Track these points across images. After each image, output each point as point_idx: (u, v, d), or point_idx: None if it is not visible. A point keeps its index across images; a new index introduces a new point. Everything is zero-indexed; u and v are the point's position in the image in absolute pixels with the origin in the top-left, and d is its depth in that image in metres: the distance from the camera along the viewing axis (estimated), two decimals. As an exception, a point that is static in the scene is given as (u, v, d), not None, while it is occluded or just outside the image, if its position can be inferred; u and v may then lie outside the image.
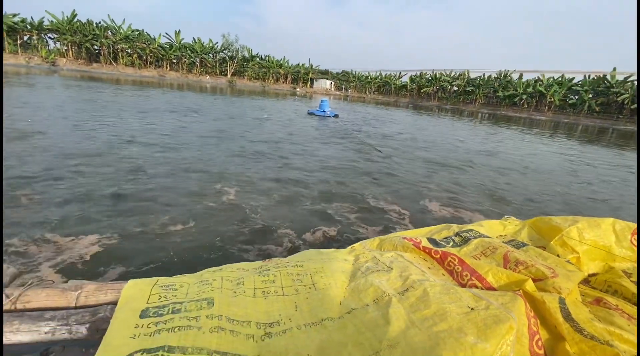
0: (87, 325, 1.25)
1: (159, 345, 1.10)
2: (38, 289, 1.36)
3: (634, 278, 1.75)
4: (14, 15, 43.61)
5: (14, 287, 1.35)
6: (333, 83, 69.24)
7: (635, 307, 1.49)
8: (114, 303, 1.36)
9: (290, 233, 3.55)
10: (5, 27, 42.01)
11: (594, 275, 1.89)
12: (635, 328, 1.29)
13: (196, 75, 55.22)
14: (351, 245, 2.22)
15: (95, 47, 49.04)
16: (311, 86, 67.15)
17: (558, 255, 1.95)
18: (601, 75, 44.57)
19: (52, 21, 45.88)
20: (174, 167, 5.60)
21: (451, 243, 2.14)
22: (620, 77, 42.55)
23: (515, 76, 53.67)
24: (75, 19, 46.51)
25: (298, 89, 59.76)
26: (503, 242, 2.16)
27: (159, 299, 1.38)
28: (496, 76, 55.67)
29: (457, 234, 2.25)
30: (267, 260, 1.98)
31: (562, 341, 1.24)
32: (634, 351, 1.17)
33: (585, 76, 46.30)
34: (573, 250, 1.97)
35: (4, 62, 39.31)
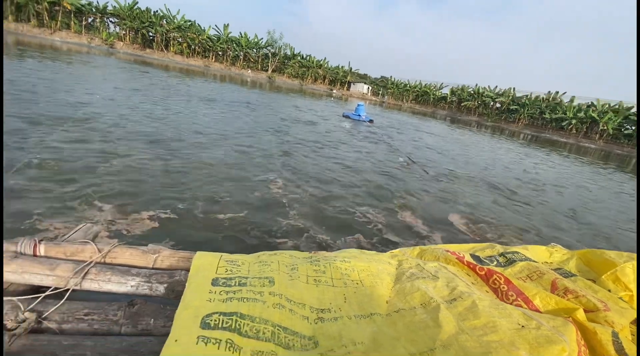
0: (165, 285, 1.38)
1: (233, 311, 1.20)
2: (123, 247, 1.52)
3: None
4: (83, -2, 47.27)
5: (103, 244, 1.51)
6: (370, 88, 68.74)
7: None
8: (185, 269, 1.49)
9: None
10: (72, 8, 45.56)
11: None
12: None
13: (238, 69, 57.01)
14: (391, 251, 2.25)
15: (150, 33, 52.01)
16: (348, 89, 67.09)
17: (609, 290, 1.87)
18: (665, 107, 40.78)
19: (115, 6, 49.27)
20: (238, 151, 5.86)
21: (495, 263, 2.12)
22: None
23: (565, 99, 50.46)
24: (136, 6, 49.62)
25: (335, 91, 59.97)
26: (550, 269, 2.11)
27: (226, 271, 1.49)
28: (544, 97, 52.66)
29: (501, 254, 2.22)
30: (313, 252, 2.06)
31: None
32: None
33: (645, 105, 42.61)
34: (626, 288, 1.88)
35: (69, 39, 42.75)
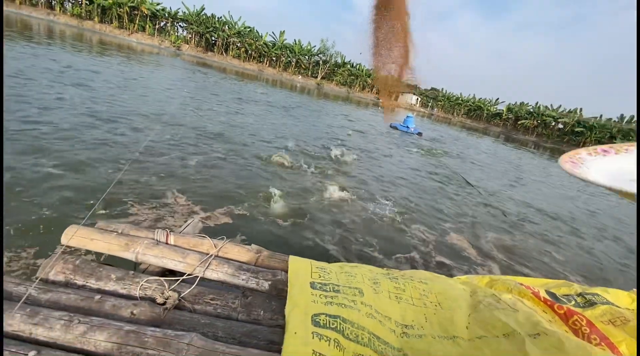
0: (269, 282, 1.56)
1: (336, 314, 1.34)
2: (232, 244, 1.75)
3: None
4: (158, 4, 52.30)
5: (215, 239, 1.76)
6: (419, 99, 67.15)
7: None
8: (282, 270, 1.67)
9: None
10: (148, 12, 50.61)
11: None
12: None
13: (289, 74, 59.07)
14: (458, 277, 2.26)
15: (213, 38, 56.05)
16: (396, 99, 66.13)
17: None
18: None
19: (184, 12, 53.92)
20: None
21: (573, 302, 2.01)
22: None
23: (643, 123, 44.95)
24: (203, 12, 53.88)
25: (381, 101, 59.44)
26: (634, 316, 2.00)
27: (319, 277, 1.64)
28: (616, 120, 47.45)
29: (579, 294, 2.11)
30: (386, 269, 2.14)
31: None
32: None
33: None
34: None
35: (143, 41, 47.42)
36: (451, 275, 2.30)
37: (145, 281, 1.40)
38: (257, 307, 1.45)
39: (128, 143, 5.22)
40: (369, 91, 65.32)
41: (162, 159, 4.86)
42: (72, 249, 1.73)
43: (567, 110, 52.59)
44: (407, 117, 18.88)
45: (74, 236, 1.51)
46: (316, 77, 61.35)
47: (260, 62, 59.65)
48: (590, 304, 1.99)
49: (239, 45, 57.18)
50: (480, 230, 5.05)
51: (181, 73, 20.07)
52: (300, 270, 1.67)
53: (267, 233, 3.41)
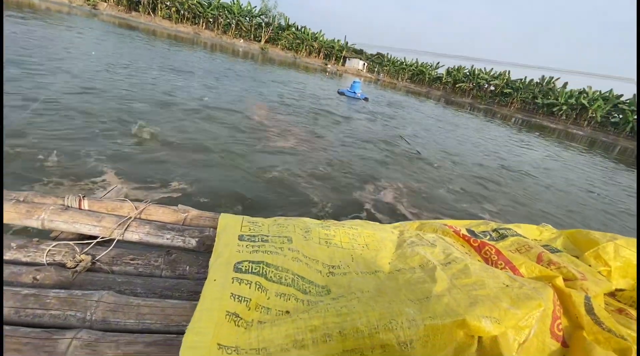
0: (197, 239, 1.56)
1: (260, 260, 1.39)
2: (156, 206, 1.68)
3: None
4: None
5: (137, 202, 1.67)
6: (366, 64, 67.46)
7: None
8: (212, 227, 1.67)
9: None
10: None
11: (621, 290, 1.99)
12: None
13: (230, 37, 54.85)
14: (393, 224, 2.43)
15: (137, -5, 49.12)
16: (343, 64, 65.67)
17: (590, 266, 2.05)
18: (652, 96, 41.55)
19: (97, -37, 45.96)
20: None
21: (488, 237, 2.29)
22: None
23: (559, 84, 50.68)
24: (120, -36, 46.45)
25: (329, 66, 58.68)
26: (539, 244, 2.28)
27: (249, 230, 1.67)
28: (538, 81, 52.79)
29: (494, 230, 2.40)
30: (323, 220, 2.24)
31: (581, 330, 1.41)
32: None
33: (634, 95, 43.32)
34: (606, 264, 2.05)
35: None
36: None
37: (53, 247, 1.31)
38: (183, 263, 1.45)
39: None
40: (315, 56, 63.72)
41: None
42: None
43: (497, 73, 57.01)
44: (354, 82, 18.97)
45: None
46: (260, 41, 57.83)
47: (195, 23, 54.21)
48: (502, 237, 2.29)
49: (168, 4, 50.94)
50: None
51: (98, 36, 17.51)
52: (229, 225, 1.69)
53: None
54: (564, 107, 47.37)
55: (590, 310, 1.46)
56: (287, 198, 3.95)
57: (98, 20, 30.32)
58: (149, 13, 49.91)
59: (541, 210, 5.86)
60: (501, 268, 1.78)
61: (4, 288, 1.07)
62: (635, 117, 41.89)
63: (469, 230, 2.31)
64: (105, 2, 47.68)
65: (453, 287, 1.46)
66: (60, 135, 4.12)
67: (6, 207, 1.40)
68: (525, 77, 54.07)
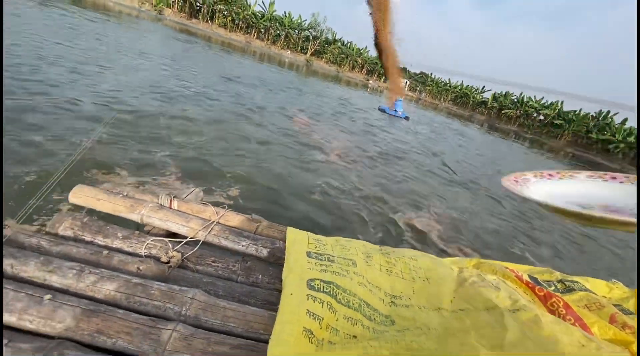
0: (268, 250, 1.65)
1: (330, 280, 1.44)
2: (233, 213, 1.81)
3: None
4: (138, -37, 48.59)
5: (217, 207, 1.81)
6: (408, 82, 66.97)
7: None
8: (280, 239, 1.76)
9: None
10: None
11: None
12: None
13: (278, 48, 57.15)
14: (448, 258, 2.34)
15: (198, 3, 52.99)
16: (385, 81, 65.68)
17: None
18: None
19: (168, -27, 50.39)
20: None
21: (553, 288, 2.14)
22: None
23: (617, 120, 46.88)
24: (188, -25, 50.54)
25: (371, 82, 58.98)
26: (610, 303, 2.08)
27: (315, 247, 1.73)
28: (594, 115, 49.24)
29: (560, 281, 2.24)
30: (382, 247, 2.23)
31: None
32: None
33: None
34: None
35: (121, 1, 44.25)
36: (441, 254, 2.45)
37: (150, 241, 1.46)
38: (256, 272, 1.54)
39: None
40: (358, 71, 64.45)
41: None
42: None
43: (548, 103, 54.03)
44: (396, 100, 18.92)
45: (82, 195, 1.53)
46: (305, 53, 59.68)
47: (247, 33, 57.23)
48: (569, 290, 2.12)
49: (225, 13, 54.39)
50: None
51: (159, 40, 19.04)
52: (297, 240, 1.76)
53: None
54: (621, 145, 43.64)
55: None
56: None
57: (162, 24, 33.01)
58: (207, 21, 53.57)
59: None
60: (570, 324, 1.62)
61: (115, 273, 1.21)
62: None
63: (531, 277, 2.16)
64: (170, 8, 51.91)
65: (526, 338, 1.36)
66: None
67: (115, 199, 1.58)
68: (581, 109, 50.68)
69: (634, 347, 1.48)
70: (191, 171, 3.89)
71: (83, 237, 1.42)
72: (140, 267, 1.31)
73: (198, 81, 9.70)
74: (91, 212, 1.67)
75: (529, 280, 2.05)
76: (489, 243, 4.59)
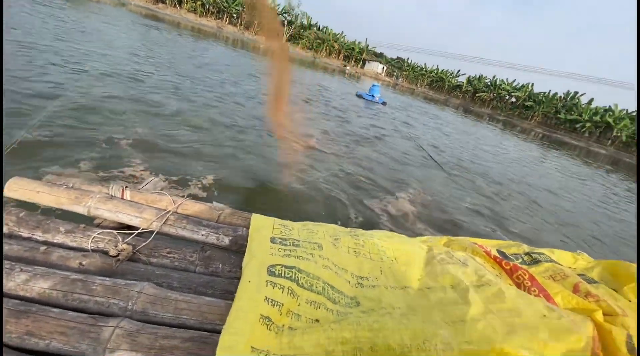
0: (230, 238, 1.58)
1: (293, 265, 1.39)
2: (192, 202, 1.72)
3: None
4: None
5: (176, 197, 1.71)
6: (385, 68, 67.03)
7: None
8: (244, 227, 1.69)
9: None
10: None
11: None
12: None
13: (252, 34, 55.41)
14: (420, 237, 2.34)
15: (165, -13, 50.25)
16: (362, 67, 65.47)
17: (630, 301, 1.91)
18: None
19: (130, -46, 47.20)
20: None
21: (520, 260, 2.20)
22: None
23: (584, 100, 49.15)
24: (152, -44, 47.57)
25: (348, 68, 58.55)
26: (574, 273, 2.15)
27: (281, 233, 1.68)
28: (562, 96, 51.38)
29: (527, 253, 2.30)
30: (352, 229, 2.20)
31: None
32: None
33: (663, 115, 41.63)
34: None
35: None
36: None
37: (98, 234, 1.35)
38: (216, 261, 1.48)
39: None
40: (335, 57, 63.77)
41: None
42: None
43: (520, 85, 55.79)
44: (373, 85, 18.90)
45: (18, 188, 1.39)
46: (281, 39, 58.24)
47: (219, 18, 55.03)
48: (535, 262, 2.18)
49: (195, -3, 51.93)
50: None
51: (122, 26, 17.96)
52: (262, 227, 1.70)
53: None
54: (588, 124, 45.97)
55: (632, 349, 1.38)
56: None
57: (126, 9, 31.08)
58: (175, 5, 50.95)
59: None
60: (535, 296, 1.69)
61: (52, 270, 1.11)
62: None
63: (499, 252, 2.22)
64: (134, -8, 48.89)
65: (488, 312, 1.40)
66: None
67: (57, 191, 1.45)
68: (549, 91, 52.73)
69: (597, 315, 1.51)
70: (158, 161, 3.71)
71: (20, 233, 1.30)
72: (83, 262, 1.21)
73: (165, 69, 9.24)
74: (33, 207, 1.54)
75: (497, 255, 2.09)
76: (461, 223, 4.72)
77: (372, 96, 18.04)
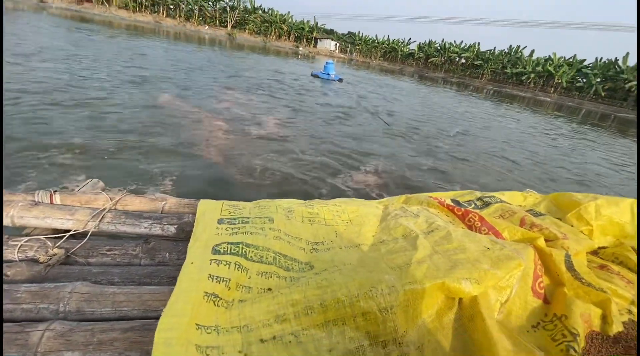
0: (175, 226, 1.54)
1: (239, 241, 1.38)
2: (133, 196, 1.64)
3: None
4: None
5: (114, 194, 1.62)
6: (338, 44, 66.41)
7: (635, 274, 1.65)
8: (192, 213, 1.65)
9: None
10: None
11: (603, 248, 2.01)
12: (633, 290, 1.46)
13: (194, 25, 52.33)
14: (380, 200, 2.39)
15: (87, -17, 45.63)
16: (315, 46, 64.40)
17: (572, 226, 2.07)
18: (613, 59, 43.35)
19: (39, -50, 42.03)
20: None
21: (472, 206, 2.33)
22: (632, 63, 41.46)
23: (526, 53, 51.90)
24: (65, -51, 42.70)
25: (301, 49, 57.37)
26: (522, 209, 2.29)
27: (229, 213, 1.65)
28: (507, 51, 53.89)
29: (479, 198, 2.43)
30: (308, 200, 2.22)
31: (562, 286, 1.42)
32: (624, 304, 1.34)
33: (596, 59, 45.11)
34: (587, 223, 2.07)
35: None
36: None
37: (25, 242, 1.26)
38: (163, 251, 1.43)
39: None
40: (285, 39, 62.13)
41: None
42: None
43: (468, 45, 57.70)
44: (327, 63, 18.68)
45: None
46: (226, 26, 55.56)
47: (155, 12, 51.21)
48: (486, 204, 2.33)
49: (123, -9, 47.68)
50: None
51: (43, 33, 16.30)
52: (209, 210, 1.66)
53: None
54: (532, 75, 48.79)
55: (570, 267, 1.50)
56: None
57: (47, 14, 28.08)
58: (102, 3, 46.65)
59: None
60: (485, 234, 1.80)
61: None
62: (598, 80, 43.78)
63: (453, 200, 2.33)
64: (53, -7, 44.04)
65: (434, 253, 1.48)
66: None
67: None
68: (495, 48, 55.08)
69: (539, 241, 1.65)
70: (106, 166, 3.49)
71: None
72: (8, 273, 1.12)
73: (106, 73, 8.55)
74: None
75: (450, 203, 2.19)
76: (422, 183, 4.93)
77: (328, 74, 17.89)
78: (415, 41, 64.17)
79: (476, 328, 1.16)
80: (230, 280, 1.18)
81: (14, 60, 7.77)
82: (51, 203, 1.50)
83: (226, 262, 1.24)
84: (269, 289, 1.24)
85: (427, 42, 62.51)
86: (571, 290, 1.41)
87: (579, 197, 2.29)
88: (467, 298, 1.25)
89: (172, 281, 1.27)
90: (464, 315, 1.23)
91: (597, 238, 2.06)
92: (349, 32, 70.65)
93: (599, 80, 43.89)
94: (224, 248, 1.32)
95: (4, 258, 1.23)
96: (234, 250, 1.32)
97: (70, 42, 12.92)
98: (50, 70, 7.56)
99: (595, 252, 1.98)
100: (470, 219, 1.99)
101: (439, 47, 60.46)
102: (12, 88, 5.63)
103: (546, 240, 1.73)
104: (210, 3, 53.99)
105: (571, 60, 47.17)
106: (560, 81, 46.20)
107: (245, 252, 1.33)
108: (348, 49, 67.97)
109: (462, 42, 58.31)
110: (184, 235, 1.55)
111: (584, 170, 7.41)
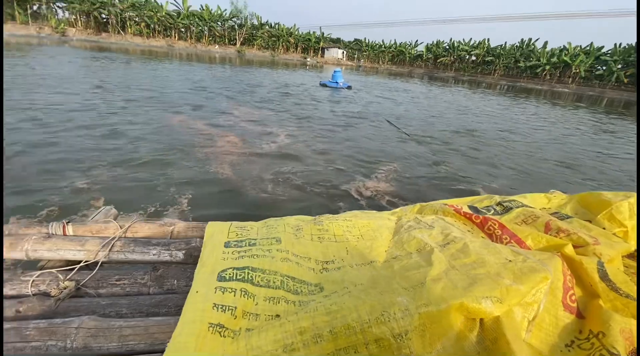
0: (183, 251, 1.53)
1: (245, 265, 1.35)
2: (142, 222, 1.65)
3: None
4: (22, -17, 42.84)
5: (124, 220, 1.64)
6: (345, 52, 66.94)
7: None
8: (200, 237, 1.64)
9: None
10: (14, -5, 41.43)
11: None
12: None
13: (205, 45, 54.20)
14: (392, 210, 2.29)
15: (103, 15, 48.27)
16: (322, 56, 65.17)
17: (604, 228, 1.90)
18: (633, 44, 41.46)
19: (59, -12, 45.01)
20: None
21: (492, 212, 2.18)
22: (653, 45, 39.45)
23: (539, 45, 50.53)
24: (82, -14, 45.43)
25: (309, 59, 58.26)
26: (546, 213, 2.12)
27: (237, 236, 1.63)
28: (518, 45, 52.66)
29: (499, 203, 2.27)
30: (317, 216, 2.16)
31: (597, 299, 1.29)
32: None
33: (615, 44, 43.29)
34: (621, 224, 1.90)
35: (16, 32, 39.21)
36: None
37: (37, 276, 1.28)
38: (171, 278, 1.43)
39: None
40: (293, 51, 63.21)
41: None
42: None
43: (477, 42, 56.83)
44: (335, 71, 18.78)
45: None
46: (235, 44, 57.20)
47: (167, 36, 53.43)
48: (507, 210, 2.15)
49: (137, 20, 50.11)
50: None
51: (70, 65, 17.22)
52: (217, 232, 1.64)
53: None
54: (547, 67, 47.33)
55: (604, 276, 1.36)
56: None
57: (69, 46, 29.77)
58: (118, 32, 49.13)
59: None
60: (506, 243, 1.69)
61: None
62: (619, 66, 41.92)
63: (471, 207, 2.21)
64: (74, 27, 46.83)
65: (451, 269, 1.38)
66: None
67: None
68: (505, 43, 53.98)
69: (566, 249, 1.50)
70: (128, 192, 3.59)
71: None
72: (20, 309, 1.14)
73: (122, 99, 8.92)
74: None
75: (468, 211, 2.07)
76: (437, 189, 4.79)
77: (336, 83, 17.95)
78: (422, 42, 63.91)
79: (501, 352, 1.06)
80: (236, 308, 1.15)
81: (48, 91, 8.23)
82: (64, 234, 1.53)
83: (232, 289, 1.21)
84: (277, 315, 1.19)
85: (435, 42, 62.03)
86: (608, 302, 1.26)
87: (609, 195, 2.10)
88: (489, 319, 1.15)
89: (179, 310, 1.24)
90: (486, 337, 1.12)
91: (633, 240, 1.85)
92: (355, 39, 71.13)
93: (620, 66, 41.93)
94: (230, 274, 1.29)
95: (19, 294, 1.25)
96: (240, 275, 1.29)
97: (89, 72, 13.60)
98: (77, 99, 7.95)
99: (631, 255, 1.78)
100: (490, 227, 1.86)
101: (447, 47, 59.85)
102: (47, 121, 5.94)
103: (575, 247, 1.57)
104: (219, 23, 55.81)
105: (588, 48, 45.44)
106: (578, 70, 44.53)
107: (251, 277, 1.30)
108: (355, 55, 68.36)
109: (470, 39, 57.53)
110: (192, 260, 1.54)
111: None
